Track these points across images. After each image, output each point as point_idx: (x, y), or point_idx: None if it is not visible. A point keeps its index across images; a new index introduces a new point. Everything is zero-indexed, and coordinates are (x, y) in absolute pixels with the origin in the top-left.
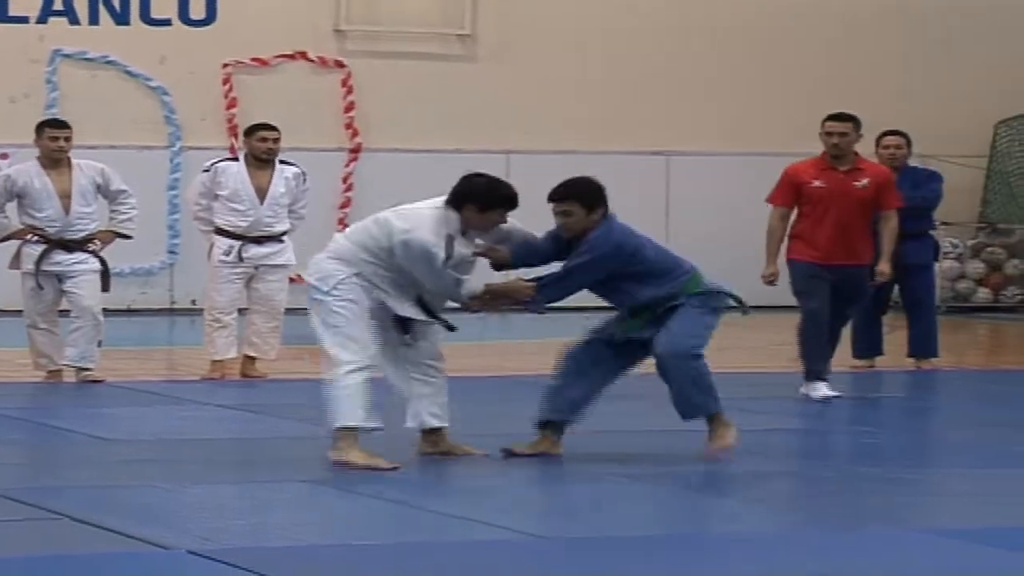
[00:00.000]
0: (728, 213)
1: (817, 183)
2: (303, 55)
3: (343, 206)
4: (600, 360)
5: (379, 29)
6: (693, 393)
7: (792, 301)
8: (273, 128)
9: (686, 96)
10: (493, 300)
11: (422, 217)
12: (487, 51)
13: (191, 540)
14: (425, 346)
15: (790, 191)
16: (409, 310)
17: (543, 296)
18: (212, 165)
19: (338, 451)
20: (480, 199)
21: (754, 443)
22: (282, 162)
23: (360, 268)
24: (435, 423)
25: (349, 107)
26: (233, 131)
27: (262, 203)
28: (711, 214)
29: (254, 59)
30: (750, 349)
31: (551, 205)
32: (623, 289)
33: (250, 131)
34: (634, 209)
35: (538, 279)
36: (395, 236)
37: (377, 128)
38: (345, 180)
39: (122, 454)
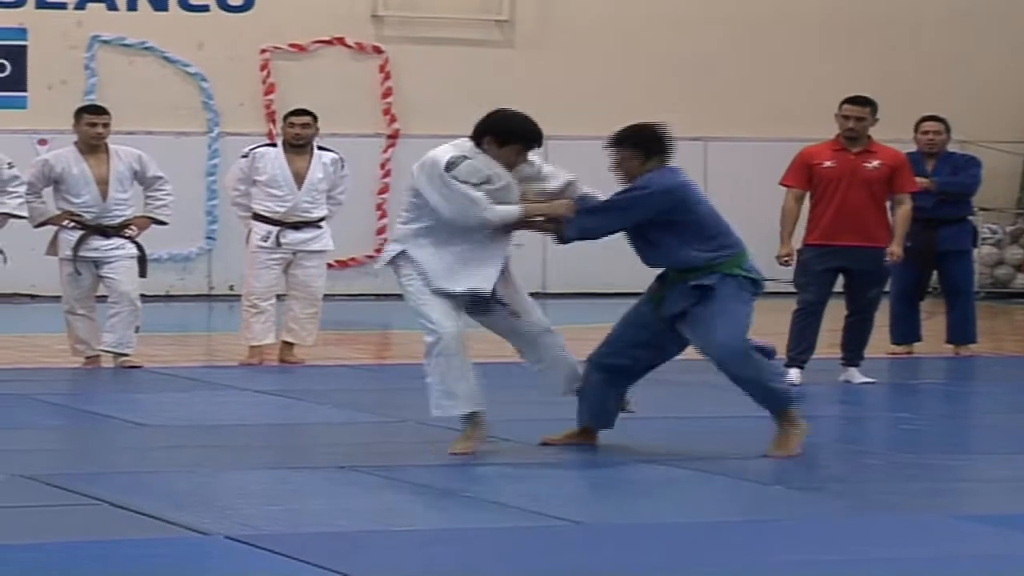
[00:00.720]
0: (766, 199)
1: (828, 164)
2: (341, 41)
3: (381, 192)
4: (637, 359)
5: (417, 15)
6: (769, 385)
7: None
8: (305, 113)
9: (724, 82)
10: (528, 221)
11: (437, 148)
12: (525, 37)
13: (229, 526)
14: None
15: (802, 172)
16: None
17: (576, 226)
18: (251, 151)
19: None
20: (496, 131)
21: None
22: (320, 148)
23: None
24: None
25: (387, 93)
26: (271, 117)
27: (300, 188)
28: (749, 200)
29: (292, 45)
30: (775, 335)
31: (609, 152)
32: (663, 243)
33: (284, 117)
34: None
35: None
36: (413, 175)
37: (415, 114)
38: (383, 166)
39: (160, 440)
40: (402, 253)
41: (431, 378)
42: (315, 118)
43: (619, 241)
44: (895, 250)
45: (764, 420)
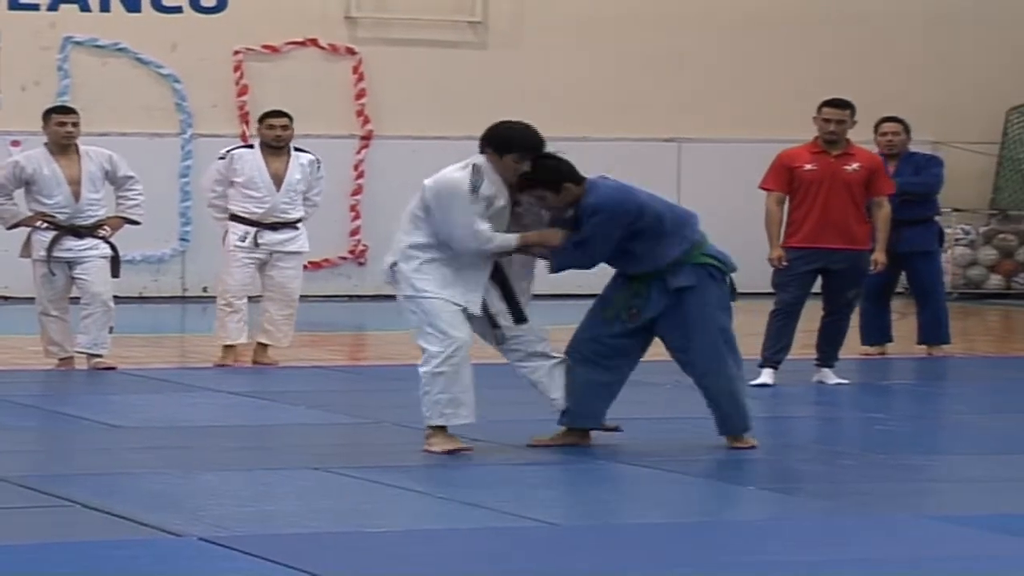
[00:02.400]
0: (739, 200)
1: (809, 167)
2: (314, 42)
3: (354, 193)
4: (617, 355)
5: (390, 16)
6: (741, 401)
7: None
8: (283, 115)
9: (697, 83)
10: (525, 248)
11: (451, 169)
12: (498, 38)
13: (202, 527)
14: (526, 334)
15: (783, 175)
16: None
17: (562, 259)
18: (228, 152)
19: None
20: (495, 142)
21: (768, 430)
22: (297, 149)
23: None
24: (555, 393)
25: (360, 94)
26: (244, 118)
27: (278, 190)
28: (722, 201)
29: (265, 46)
30: (752, 336)
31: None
32: (639, 251)
33: (261, 119)
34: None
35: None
36: (424, 191)
37: (388, 115)
38: (356, 167)
39: (133, 441)
40: (395, 264)
41: (434, 386)
42: (291, 119)
43: None
44: (879, 258)
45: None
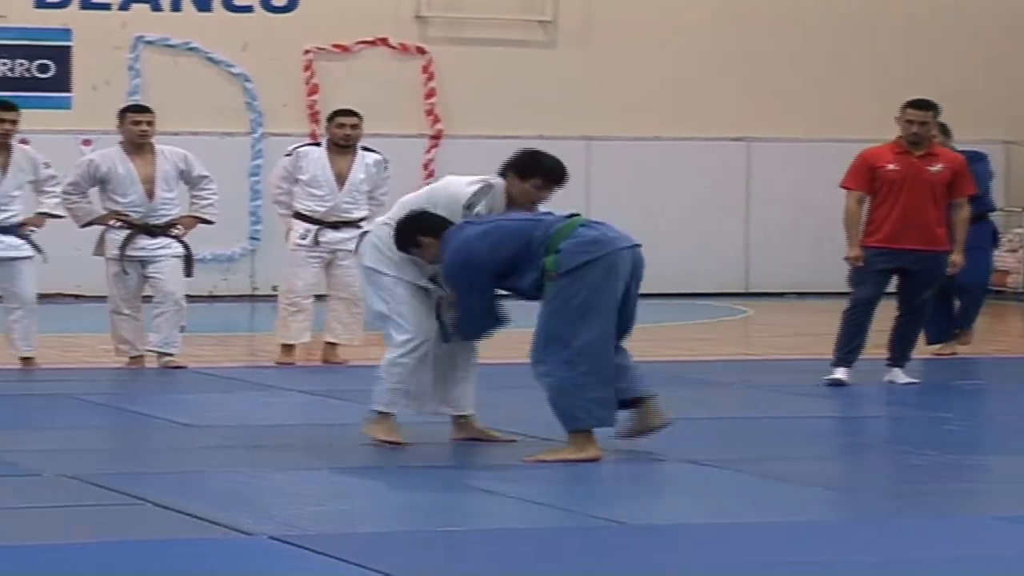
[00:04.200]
0: (810, 200)
1: (891, 167)
2: (384, 41)
3: None
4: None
5: (460, 15)
6: (557, 401)
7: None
8: (352, 114)
9: (768, 82)
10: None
11: (465, 179)
12: (568, 37)
13: (273, 526)
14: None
15: (864, 175)
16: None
17: (456, 332)
18: (294, 150)
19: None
20: (518, 166)
21: (837, 430)
22: (364, 148)
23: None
24: (470, 409)
25: (430, 94)
26: (314, 117)
27: (341, 189)
28: (792, 201)
29: (336, 45)
30: (832, 335)
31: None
32: (514, 279)
33: (331, 117)
34: (713, 196)
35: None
36: (432, 190)
37: (458, 114)
38: (426, 167)
39: (204, 440)
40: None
41: (391, 376)
42: (361, 119)
43: (656, 241)
44: (957, 259)
45: (805, 421)
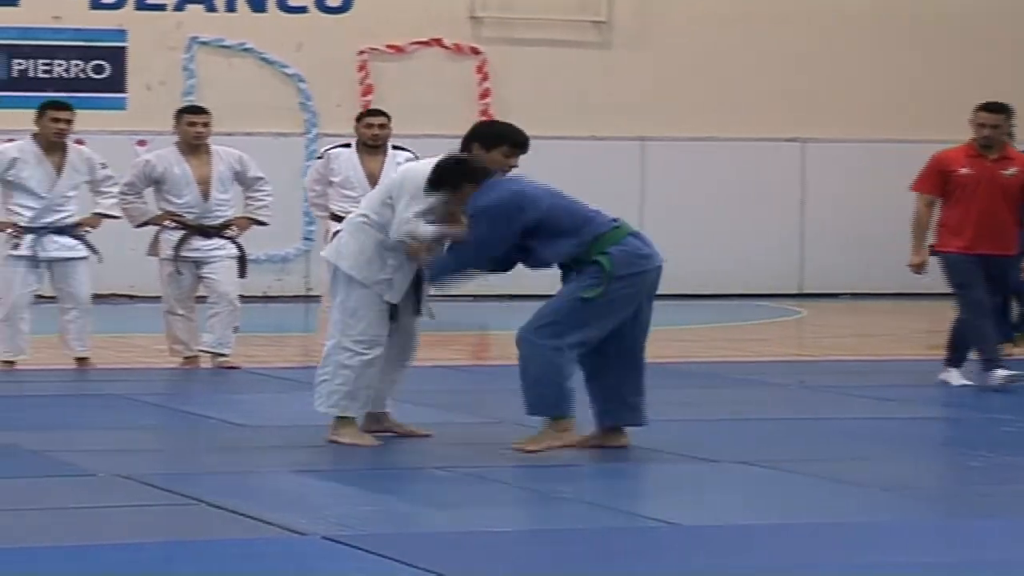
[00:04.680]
0: (865, 201)
1: (965, 170)
2: (438, 42)
3: None
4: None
5: (515, 16)
6: (537, 386)
7: (925, 288)
8: (380, 114)
9: (822, 82)
10: (419, 251)
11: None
12: (622, 38)
13: (326, 526)
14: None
15: (937, 178)
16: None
17: (432, 273)
18: (325, 152)
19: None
20: (480, 138)
21: (889, 431)
22: (395, 147)
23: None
24: (391, 406)
25: (484, 94)
26: None
27: (373, 189)
28: (847, 202)
29: (390, 46)
30: (886, 336)
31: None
32: (532, 248)
33: (359, 117)
34: (768, 196)
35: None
36: (396, 176)
37: (512, 115)
38: None
39: (257, 440)
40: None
41: (336, 377)
42: (389, 118)
43: (711, 242)
44: None
45: (859, 422)
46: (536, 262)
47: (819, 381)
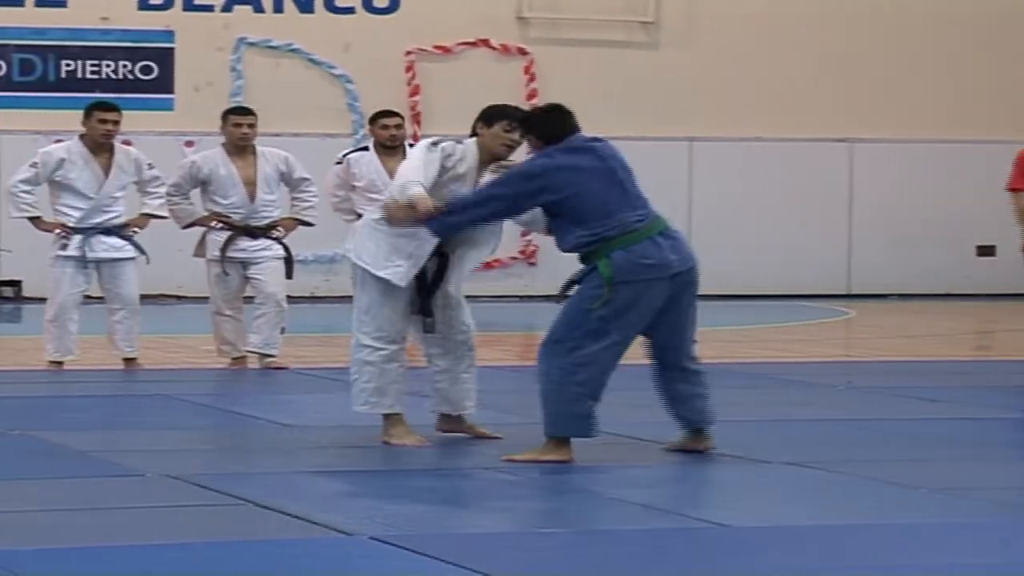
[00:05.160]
0: (913, 202)
1: None
2: (486, 43)
3: None
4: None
5: (562, 16)
6: (541, 400)
7: (974, 289)
8: (394, 115)
9: (871, 82)
10: (396, 212)
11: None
12: (670, 38)
13: (374, 526)
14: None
15: None
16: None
17: (444, 221)
18: (344, 156)
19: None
20: (484, 115)
21: (939, 432)
22: (411, 146)
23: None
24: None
25: (532, 94)
26: (416, 119)
27: None
28: (895, 203)
29: (437, 47)
30: (935, 337)
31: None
32: (556, 228)
33: (372, 120)
34: (816, 197)
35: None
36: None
37: None
38: None
39: (305, 441)
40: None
41: (362, 375)
42: (403, 119)
43: (758, 242)
44: None
45: (908, 423)
46: (557, 242)
47: (867, 382)
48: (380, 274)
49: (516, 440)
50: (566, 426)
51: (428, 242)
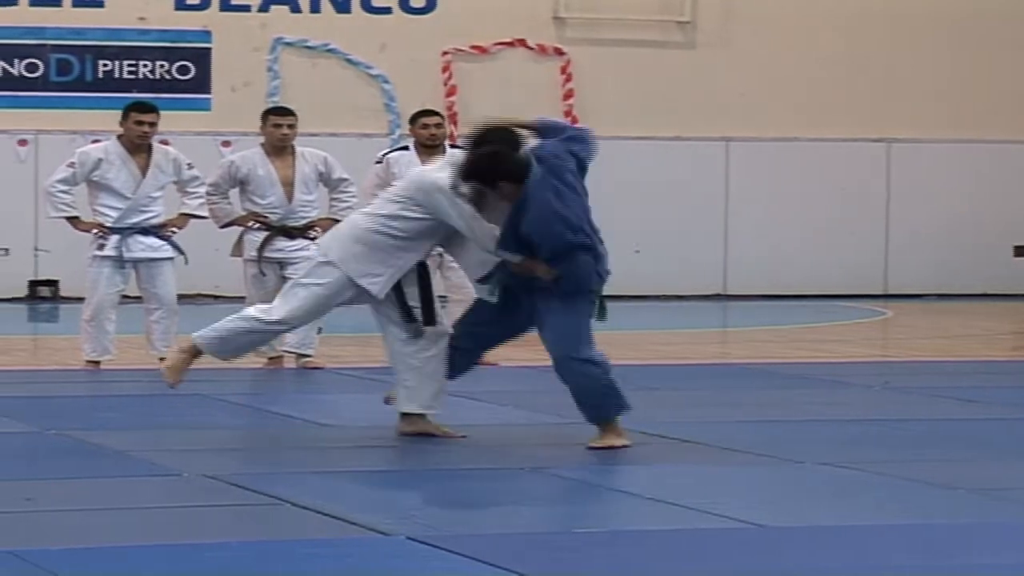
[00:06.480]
0: (951, 202)
1: None
2: (522, 43)
3: None
4: None
5: (598, 16)
6: (607, 394)
7: (1012, 289)
8: (434, 114)
9: (908, 82)
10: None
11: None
12: (706, 38)
13: (411, 526)
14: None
15: None
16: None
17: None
18: (384, 156)
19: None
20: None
21: (976, 433)
22: (453, 146)
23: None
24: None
25: (568, 95)
26: (453, 119)
27: None
28: (933, 202)
29: (474, 47)
30: (973, 337)
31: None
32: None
33: (413, 119)
34: (853, 197)
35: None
36: (408, 182)
37: (596, 116)
38: None
39: (342, 440)
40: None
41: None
42: (444, 118)
43: (794, 242)
44: None
45: (945, 424)
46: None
47: (904, 382)
48: (361, 283)
49: (553, 439)
50: (624, 406)
51: (415, 253)
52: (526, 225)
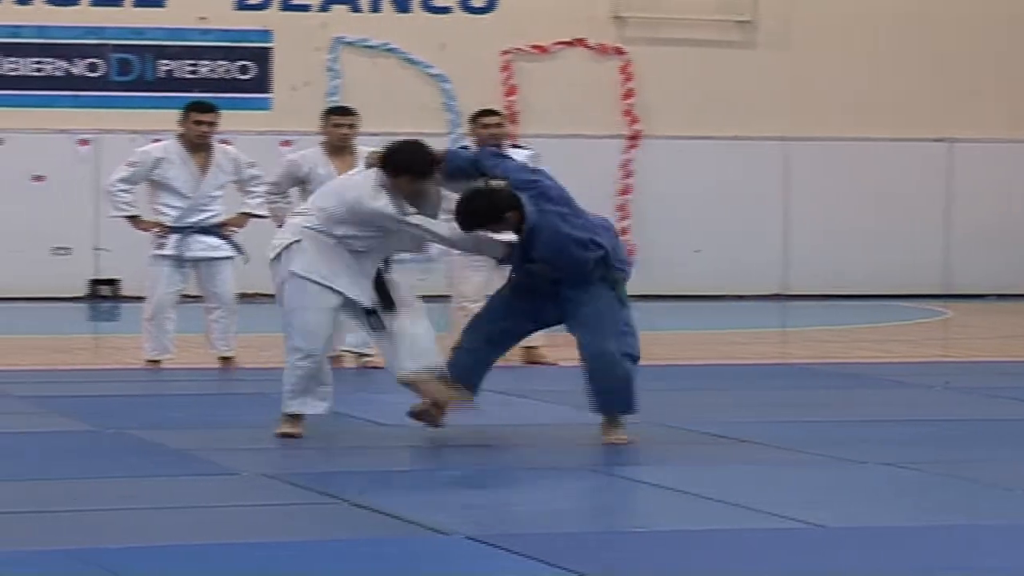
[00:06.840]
0: (1013, 201)
1: None
2: (582, 42)
3: (622, 193)
4: None
5: (658, 16)
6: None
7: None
8: (495, 113)
9: (970, 81)
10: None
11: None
12: (767, 38)
13: (469, 526)
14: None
15: None
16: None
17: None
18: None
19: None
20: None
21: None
22: (516, 146)
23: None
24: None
25: (628, 94)
26: (513, 118)
27: None
28: (994, 203)
29: (534, 46)
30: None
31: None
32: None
33: (473, 118)
34: (914, 196)
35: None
36: (344, 207)
37: (655, 115)
38: (624, 167)
39: (401, 439)
40: (297, 243)
41: (290, 378)
42: (504, 118)
43: (854, 242)
44: None
45: (1006, 424)
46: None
47: (965, 383)
48: (334, 286)
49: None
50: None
51: (375, 262)
52: (539, 252)
